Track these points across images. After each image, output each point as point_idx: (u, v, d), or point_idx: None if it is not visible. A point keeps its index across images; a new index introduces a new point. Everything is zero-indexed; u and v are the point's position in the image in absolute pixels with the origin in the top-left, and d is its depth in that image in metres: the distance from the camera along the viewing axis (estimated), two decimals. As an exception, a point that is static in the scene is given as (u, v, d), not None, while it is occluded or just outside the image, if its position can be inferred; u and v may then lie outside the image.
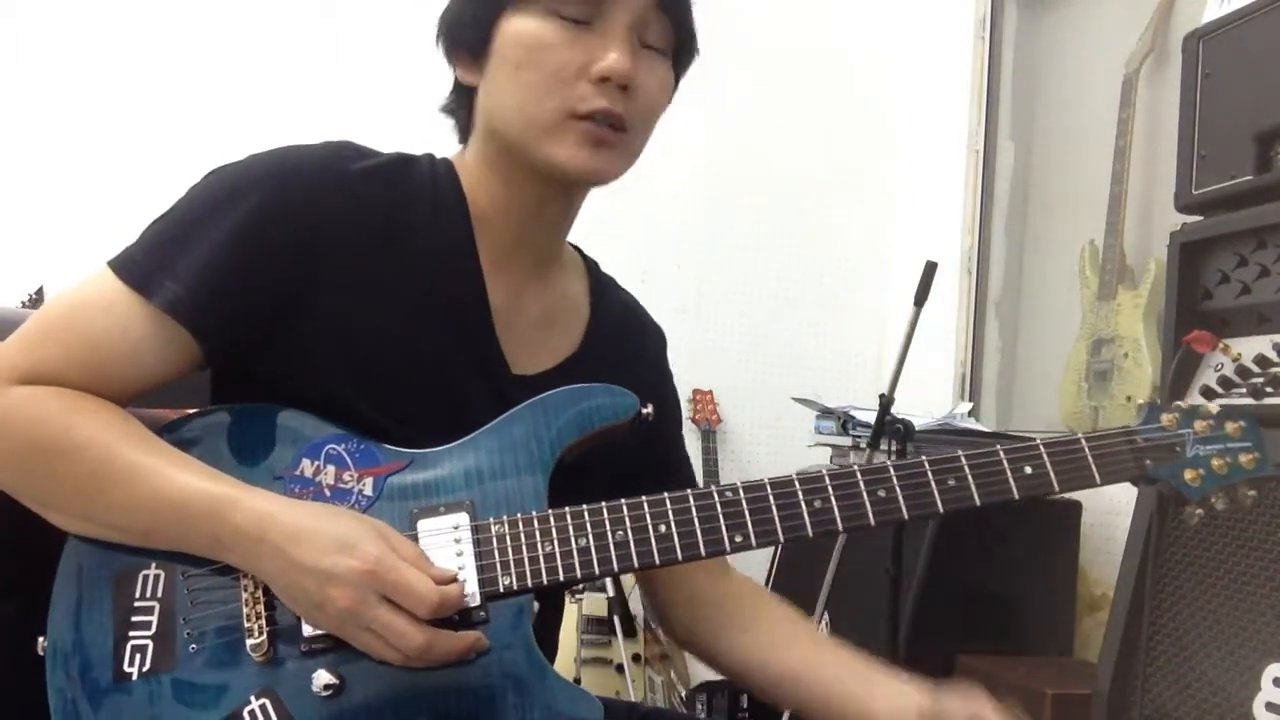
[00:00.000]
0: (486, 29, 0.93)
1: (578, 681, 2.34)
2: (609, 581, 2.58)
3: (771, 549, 2.89)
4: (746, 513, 0.87)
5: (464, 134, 1.02)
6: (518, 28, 0.91)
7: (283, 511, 0.80)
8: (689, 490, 0.87)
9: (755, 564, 2.98)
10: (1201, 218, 1.59)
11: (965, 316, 3.11)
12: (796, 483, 0.87)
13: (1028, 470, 0.88)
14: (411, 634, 0.77)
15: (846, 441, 2.59)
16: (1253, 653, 1.35)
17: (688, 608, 1.10)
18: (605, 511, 0.86)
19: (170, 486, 0.81)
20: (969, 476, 0.88)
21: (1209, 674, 1.41)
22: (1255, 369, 1.43)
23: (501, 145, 0.95)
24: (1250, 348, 1.45)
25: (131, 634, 0.82)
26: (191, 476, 0.82)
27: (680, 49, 0.97)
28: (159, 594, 0.83)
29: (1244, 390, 1.42)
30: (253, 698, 0.81)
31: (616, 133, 0.92)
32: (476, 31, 0.94)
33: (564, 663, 2.40)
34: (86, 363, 0.85)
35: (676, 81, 1.01)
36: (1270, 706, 1.31)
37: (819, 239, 3.41)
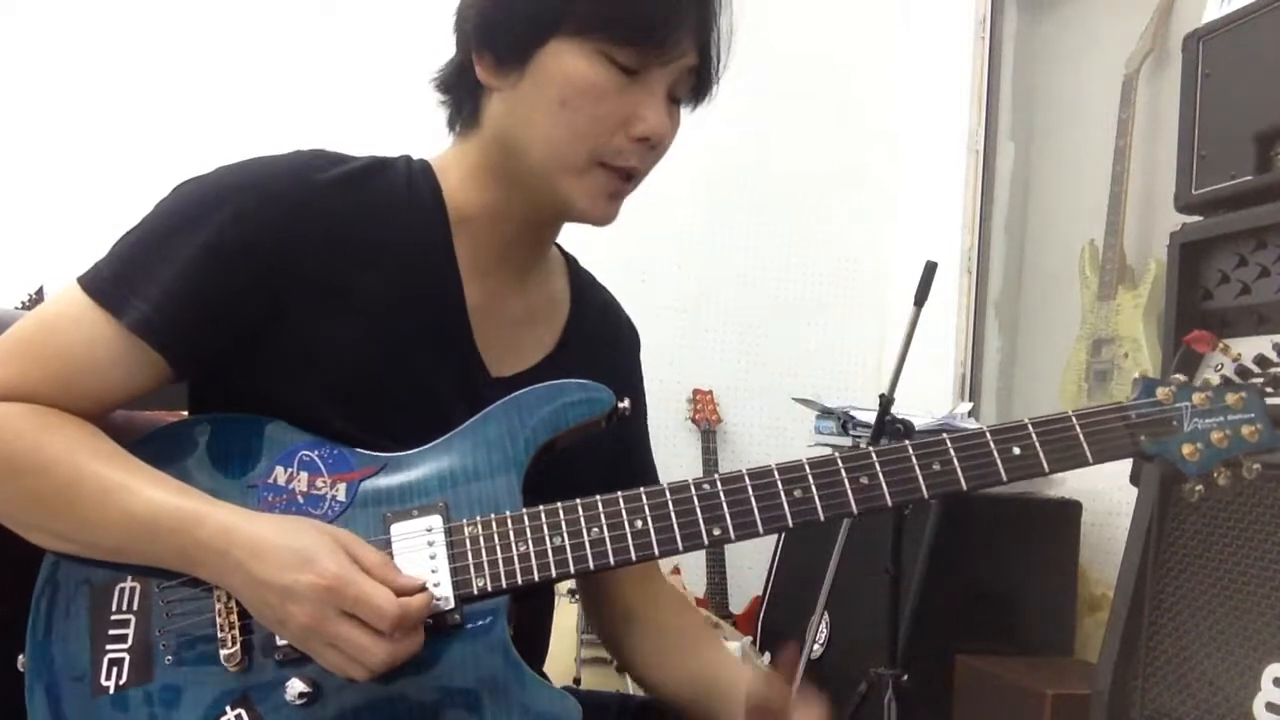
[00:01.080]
0: (530, 44, 0.90)
1: (577, 681, 2.33)
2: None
3: (771, 549, 2.89)
4: (724, 505, 0.85)
5: (456, 123, 0.99)
6: (569, 65, 0.88)
7: (246, 525, 0.80)
8: (665, 484, 0.86)
9: (756, 563, 2.98)
10: (1201, 218, 1.59)
11: (965, 316, 3.11)
12: (775, 473, 0.85)
13: (1016, 451, 0.85)
14: (373, 649, 0.76)
15: (846, 441, 2.59)
16: (1253, 653, 1.35)
17: (623, 622, 1.11)
18: (580, 509, 0.85)
19: (138, 502, 0.81)
20: (954, 460, 0.85)
21: (1209, 674, 1.41)
22: (1255, 369, 1.43)
23: (512, 161, 0.93)
24: (1250, 348, 1.44)
25: (108, 647, 0.82)
26: (159, 491, 0.82)
27: (698, 102, 0.97)
28: (135, 607, 0.83)
29: (1244, 390, 1.42)
30: (228, 708, 0.80)
31: (629, 183, 0.94)
32: (517, 42, 0.90)
33: (564, 663, 2.39)
34: (57, 380, 0.85)
35: None
36: (1270, 706, 1.31)
37: (819, 239, 3.41)
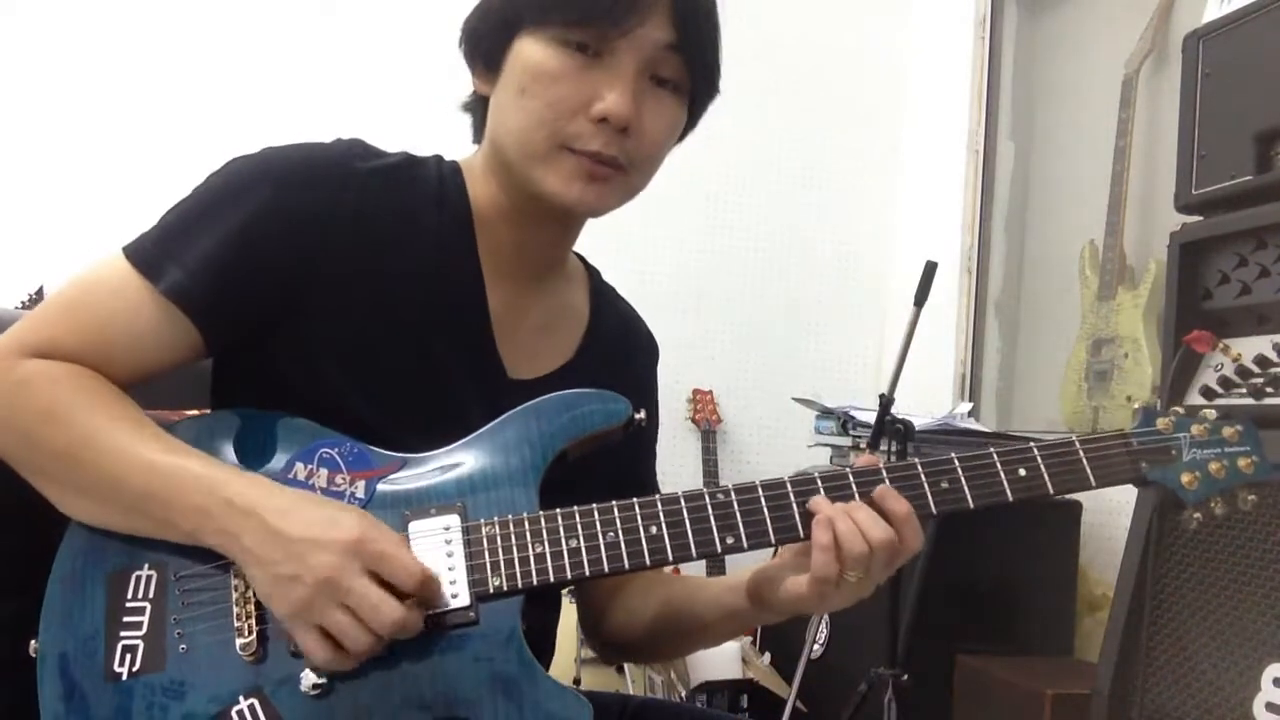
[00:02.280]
0: (501, 45, 0.93)
1: (577, 682, 2.34)
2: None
3: (771, 549, 2.88)
4: (738, 514, 0.87)
5: (478, 136, 1.02)
6: (528, 52, 0.91)
7: (275, 492, 0.82)
8: (680, 492, 0.88)
9: (756, 563, 2.98)
10: (1201, 218, 1.59)
11: (965, 316, 3.10)
12: (788, 484, 0.88)
13: (1022, 472, 0.89)
14: (386, 609, 0.77)
15: (846, 442, 2.59)
16: (1253, 653, 1.35)
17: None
18: (596, 513, 0.86)
19: (162, 458, 0.83)
20: (962, 479, 0.88)
21: (1209, 674, 1.41)
22: (1255, 369, 1.43)
23: (500, 158, 0.96)
24: (1250, 348, 1.45)
25: (123, 634, 0.83)
26: (183, 456, 0.84)
27: (698, 87, 0.96)
28: (150, 595, 0.84)
29: (1244, 390, 1.42)
30: (241, 698, 0.81)
31: (613, 169, 0.92)
32: (491, 46, 0.94)
33: (564, 663, 2.39)
34: (94, 342, 0.87)
35: (697, 117, 1.00)
36: (1270, 706, 1.31)
37: (819, 239, 3.41)
